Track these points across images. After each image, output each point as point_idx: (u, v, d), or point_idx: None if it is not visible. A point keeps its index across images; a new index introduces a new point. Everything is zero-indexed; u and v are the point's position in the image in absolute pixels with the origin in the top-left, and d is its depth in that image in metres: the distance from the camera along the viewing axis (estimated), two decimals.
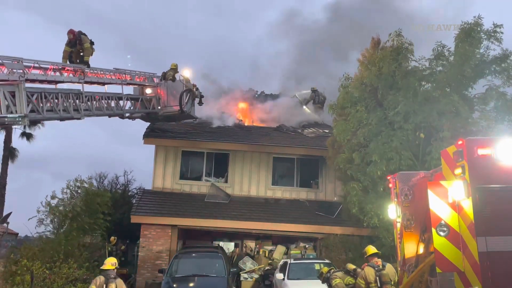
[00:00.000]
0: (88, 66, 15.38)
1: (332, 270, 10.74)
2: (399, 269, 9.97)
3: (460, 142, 7.49)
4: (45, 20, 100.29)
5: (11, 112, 11.53)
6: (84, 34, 15.70)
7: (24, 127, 25.52)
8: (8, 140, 25.30)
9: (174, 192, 20.62)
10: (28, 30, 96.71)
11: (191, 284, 14.20)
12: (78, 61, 15.59)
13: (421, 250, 9.31)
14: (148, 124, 21.47)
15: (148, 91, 19.19)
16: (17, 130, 25.65)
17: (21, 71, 11.98)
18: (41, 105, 12.84)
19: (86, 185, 18.97)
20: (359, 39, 18.86)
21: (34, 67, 13.00)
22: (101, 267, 10.45)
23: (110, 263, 10.18)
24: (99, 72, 16.02)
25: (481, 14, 15.93)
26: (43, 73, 13.39)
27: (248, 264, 18.36)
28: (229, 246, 19.67)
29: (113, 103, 16.62)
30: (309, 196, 21.24)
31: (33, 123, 22.99)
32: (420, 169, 13.56)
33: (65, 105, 13.94)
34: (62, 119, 14.10)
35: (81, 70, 14.90)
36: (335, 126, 17.91)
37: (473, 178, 7.18)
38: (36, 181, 59.25)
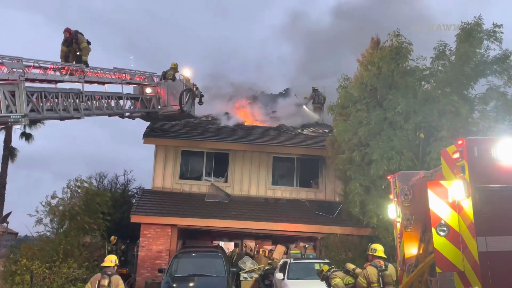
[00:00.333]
0: (87, 65, 15.34)
1: (332, 270, 10.72)
2: (399, 269, 9.96)
3: (460, 142, 7.48)
4: (46, 20, 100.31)
5: (11, 112, 11.53)
6: (81, 33, 15.59)
7: (24, 127, 25.50)
8: (8, 139, 25.28)
9: (174, 191, 20.63)
10: (30, 29, 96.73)
11: (191, 284, 14.20)
12: (75, 60, 15.50)
13: (421, 250, 9.30)
14: (148, 123, 21.47)
15: (148, 90, 19.18)
16: (17, 130, 25.64)
17: (21, 70, 11.99)
18: (41, 104, 12.84)
19: (86, 185, 18.99)
20: (361, 39, 18.79)
21: (34, 67, 13.01)
22: (102, 264, 10.53)
23: (110, 260, 10.25)
24: (99, 71, 16.01)
25: (481, 15, 15.95)
26: (43, 72, 13.39)
27: (248, 263, 18.36)
28: (229, 246, 19.69)
29: (113, 103, 16.62)
30: (309, 196, 21.25)
31: (33, 122, 22.95)
32: (420, 169, 13.54)
33: (65, 104, 13.94)
34: (62, 118, 14.09)
35: (81, 70, 14.89)
36: (336, 126, 17.91)
37: (473, 178, 7.17)
38: (36, 180, 59.31)
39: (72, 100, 14.34)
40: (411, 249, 9.54)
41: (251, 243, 19.97)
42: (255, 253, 19.67)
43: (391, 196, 10.31)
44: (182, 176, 21.17)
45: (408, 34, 17.22)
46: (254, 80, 29.56)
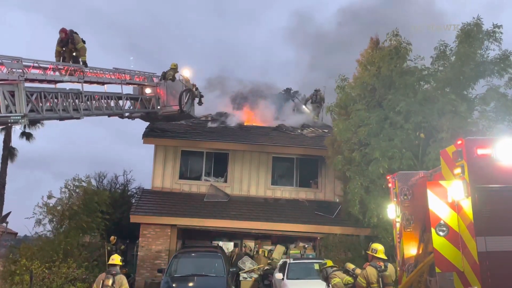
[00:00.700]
0: (86, 65, 15.28)
1: (334, 269, 10.72)
2: (398, 269, 9.96)
3: (459, 142, 7.49)
4: (46, 20, 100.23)
5: (11, 112, 11.52)
6: (76, 33, 15.47)
7: (24, 127, 25.49)
8: (7, 139, 25.29)
9: (174, 191, 20.62)
10: (30, 30, 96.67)
11: (190, 284, 14.20)
12: (71, 60, 15.39)
13: (420, 250, 9.31)
14: (147, 123, 21.47)
15: (148, 90, 19.18)
16: (16, 130, 25.63)
17: (21, 70, 11.98)
18: (41, 104, 12.83)
19: (84, 184, 18.91)
20: (363, 39, 18.78)
21: (34, 67, 13.01)
22: (108, 262, 10.73)
23: (118, 259, 10.46)
24: (98, 71, 16.01)
25: (479, 15, 15.99)
26: (42, 72, 13.39)
27: (247, 264, 18.36)
28: (228, 246, 19.67)
29: (112, 103, 16.62)
30: (308, 196, 21.25)
31: (33, 122, 22.97)
32: (420, 169, 13.55)
33: (64, 104, 13.94)
34: (61, 118, 14.09)
35: (80, 70, 14.89)
36: (336, 125, 17.89)
37: (472, 178, 7.18)
38: (36, 180, 59.20)
39: (72, 100, 14.34)
40: (411, 249, 9.55)
41: (250, 243, 19.96)
42: (254, 253, 19.66)
43: (391, 196, 10.32)
44: (182, 176, 21.16)
45: (408, 34, 17.26)
46: (258, 80, 29.65)
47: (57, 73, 14.12)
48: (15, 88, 11.70)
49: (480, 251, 6.92)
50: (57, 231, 18.12)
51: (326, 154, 19.24)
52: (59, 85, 14.25)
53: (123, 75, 17.39)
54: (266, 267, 18.50)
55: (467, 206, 7.19)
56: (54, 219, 18.05)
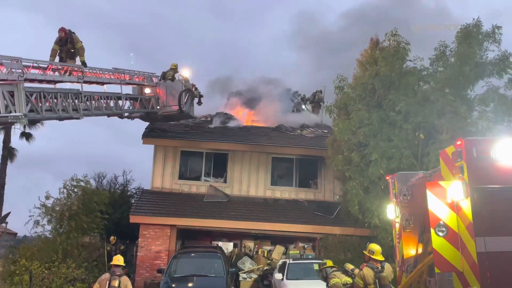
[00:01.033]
0: (85, 65, 15.25)
1: (333, 269, 10.73)
2: (397, 269, 9.96)
3: (459, 143, 7.48)
4: (47, 20, 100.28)
5: (10, 112, 11.51)
6: (74, 33, 15.39)
7: (24, 127, 25.47)
8: (7, 140, 25.28)
9: (173, 192, 20.62)
10: (30, 30, 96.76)
11: (190, 284, 14.20)
12: (68, 60, 15.32)
13: (419, 250, 9.31)
14: (147, 124, 21.47)
15: (147, 90, 19.19)
16: (16, 130, 25.62)
17: (20, 70, 11.97)
18: (40, 104, 12.83)
19: (82, 184, 18.83)
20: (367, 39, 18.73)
21: (33, 67, 13.00)
22: (111, 263, 10.74)
23: (118, 259, 10.44)
24: (98, 71, 16.01)
25: (479, 16, 15.98)
26: (42, 72, 13.39)
27: (247, 264, 18.36)
28: (228, 246, 19.67)
29: (112, 103, 16.62)
30: (308, 196, 21.25)
31: (32, 122, 22.95)
32: (419, 169, 13.55)
33: (64, 104, 13.94)
34: (61, 118, 14.09)
35: (80, 70, 14.88)
36: (336, 125, 17.87)
37: (471, 178, 7.17)
38: (36, 181, 59.21)
39: (71, 101, 14.34)
40: (410, 250, 9.54)
41: (250, 244, 19.96)
42: (254, 253, 19.66)
43: (390, 197, 10.32)
44: (181, 177, 21.16)
45: (409, 34, 17.25)
46: (265, 77, 29.67)
47: (56, 73, 14.12)
48: (14, 88, 11.70)
49: (479, 252, 6.91)
50: (56, 232, 18.09)
51: (326, 154, 19.24)
52: (58, 85, 14.25)
53: (123, 75, 17.39)
54: (265, 268, 18.52)
55: (466, 206, 7.19)
56: (52, 220, 18.01)
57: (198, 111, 22.61)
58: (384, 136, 16.00)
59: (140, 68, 18.78)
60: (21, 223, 18.15)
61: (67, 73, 14.39)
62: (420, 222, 9.23)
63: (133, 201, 22.04)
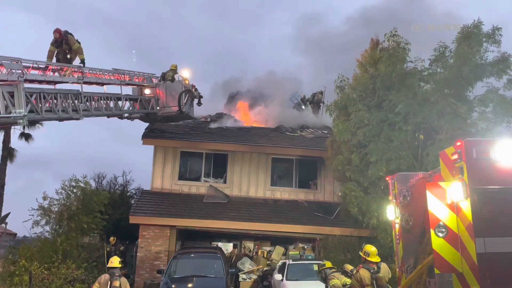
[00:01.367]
0: (84, 64, 15.07)
1: (332, 270, 10.73)
2: (397, 270, 9.97)
3: (458, 144, 7.49)
4: (48, 20, 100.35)
5: (10, 113, 11.51)
6: (71, 34, 15.25)
7: (24, 128, 25.44)
8: (7, 140, 25.26)
9: (173, 192, 20.62)
10: (31, 30, 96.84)
11: (190, 285, 14.19)
12: (65, 61, 15.16)
13: (419, 251, 9.30)
14: (147, 124, 21.47)
15: (147, 91, 19.18)
16: (16, 131, 25.59)
17: (20, 71, 11.97)
18: (40, 105, 12.82)
19: (81, 184, 18.70)
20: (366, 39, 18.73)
21: (33, 67, 13.00)
22: (108, 265, 10.77)
23: (118, 261, 10.53)
24: (98, 72, 15.99)
25: (480, 18, 15.99)
26: (42, 73, 13.39)
27: (246, 264, 18.36)
28: (227, 247, 19.69)
29: (112, 104, 16.62)
30: (307, 197, 21.25)
31: (32, 123, 22.93)
32: (419, 170, 13.55)
33: (64, 105, 13.93)
34: (61, 119, 14.08)
35: (79, 70, 14.87)
36: (336, 126, 17.88)
37: (471, 179, 7.18)
38: (36, 181, 59.26)
39: (71, 101, 14.33)
40: (410, 250, 9.54)
41: (250, 244, 19.97)
42: (254, 254, 19.67)
43: (390, 197, 10.32)
44: (181, 177, 21.16)
45: (409, 35, 17.24)
46: (256, 80, 29.70)
47: (56, 73, 14.11)
48: (14, 89, 11.69)
49: (479, 252, 6.92)
50: (56, 232, 18.06)
51: (326, 155, 19.25)
52: (58, 86, 14.24)
53: (123, 76, 17.39)
54: (265, 268, 18.51)
55: (466, 207, 7.20)
56: (51, 220, 17.96)
57: (198, 112, 22.62)
58: (383, 138, 16.00)
59: (141, 69, 18.82)
60: (21, 223, 18.10)
61: (67, 74, 14.36)
62: (420, 223, 9.24)
63: (132, 202, 22.04)
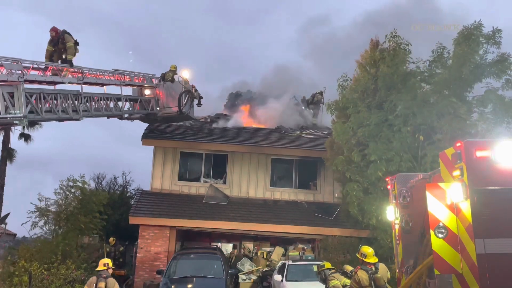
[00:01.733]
0: (71, 65, 14.71)
1: (332, 271, 10.73)
2: (397, 270, 9.97)
3: (458, 144, 7.48)
4: (50, 21, 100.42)
5: (10, 113, 11.51)
6: (69, 33, 15.03)
7: (23, 128, 25.45)
8: (6, 141, 25.26)
9: (173, 193, 20.62)
10: (33, 31, 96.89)
11: (189, 285, 14.21)
12: (60, 61, 14.97)
13: (419, 252, 9.30)
14: (147, 125, 21.47)
15: (147, 92, 19.17)
16: (16, 131, 25.61)
17: (20, 72, 11.97)
18: (40, 106, 12.82)
19: (79, 184, 18.63)
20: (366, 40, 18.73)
21: (33, 68, 13.00)
22: (96, 269, 10.81)
23: (102, 263, 10.56)
24: (97, 73, 15.98)
25: (481, 19, 16.00)
26: (42, 73, 13.38)
27: (246, 265, 18.36)
28: (227, 248, 19.69)
29: (111, 104, 16.61)
30: (307, 197, 21.25)
31: (32, 124, 22.96)
32: (419, 170, 13.56)
33: (64, 106, 13.92)
34: (61, 120, 14.08)
35: (80, 71, 14.86)
36: (335, 128, 17.90)
37: (471, 180, 7.17)
38: (36, 182, 59.21)
39: (71, 102, 14.32)
40: (410, 251, 9.54)
41: (249, 245, 19.97)
42: (253, 254, 19.67)
43: (390, 198, 10.32)
44: (181, 178, 21.16)
45: (409, 35, 17.25)
46: (255, 81, 29.73)
47: (56, 74, 14.09)
48: (14, 89, 11.70)
49: (478, 253, 6.91)
50: (55, 233, 18.06)
51: (325, 155, 19.25)
52: (58, 87, 14.23)
53: (123, 76, 17.38)
54: (265, 269, 18.51)
55: (466, 208, 7.19)
56: (49, 221, 17.94)
57: (198, 112, 22.62)
58: (383, 138, 16.01)
59: (143, 70, 18.83)
60: (20, 224, 18.12)
61: (66, 74, 14.32)
62: (419, 224, 9.23)
63: (132, 202, 22.04)
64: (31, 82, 13.04)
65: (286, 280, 14.95)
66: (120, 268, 19.42)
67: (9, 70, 11.71)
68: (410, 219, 9.56)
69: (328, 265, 11.07)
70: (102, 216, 18.84)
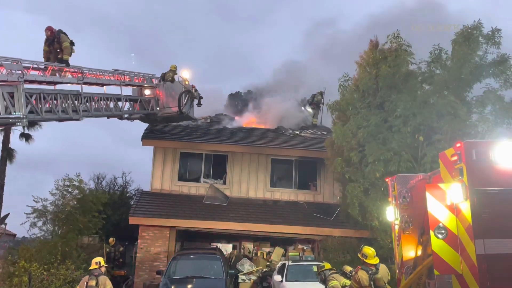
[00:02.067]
0: (68, 65, 14.65)
1: (331, 272, 10.73)
2: (397, 271, 9.97)
3: (458, 145, 7.48)
4: (51, 22, 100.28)
5: (10, 113, 11.51)
6: (64, 33, 14.95)
7: (23, 128, 25.42)
8: (6, 141, 25.23)
9: (173, 193, 20.62)
10: (34, 32, 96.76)
11: (189, 286, 14.22)
12: (56, 61, 14.85)
13: (419, 252, 9.31)
14: (147, 125, 21.47)
15: (147, 92, 19.16)
16: (15, 131, 25.58)
17: (20, 72, 11.96)
18: (40, 106, 12.81)
19: (76, 183, 18.46)
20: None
21: (33, 68, 12.99)
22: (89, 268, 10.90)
23: (94, 262, 10.62)
24: (97, 73, 15.97)
25: (480, 19, 15.99)
26: (42, 74, 13.38)
27: (246, 266, 18.36)
28: (227, 248, 19.67)
29: (111, 104, 16.60)
30: (307, 198, 21.25)
31: (32, 124, 22.92)
32: (419, 171, 13.56)
33: (64, 106, 13.91)
34: (61, 120, 14.07)
35: (80, 71, 14.86)
36: (335, 130, 17.88)
37: (471, 180, 7.18)
38: (36, 182, 59.05)
39: (71, 102, 14.31)
40: (410, 252, 9.54)
41: (249, 245, 19.96)
42: (253, 255, 19.66)
43: (390, 199, 10.33)
44: (181, 178, 21.16)
45: (409, 35, 17.25)
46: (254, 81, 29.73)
47: (56, 74, 14.09)
48: (14, 90, 11.68)
49: (478, 254, 6.92)
50: (54, 233, 18.03)
51: (325, 156, 19.24)
52: (58, 87, 14.22)
53: (122, 76, 17.37)
54: (264, 269, 18.51)
55: (465, 208, 7.20)
56: (47, 222, 17.88)
57: (198, 112, 22.61)
58: (381, 139, 16.00)
59: (144, 70, 18.78)
60: (20, 224, 18.08)
61: (65, 74, 14.31)
62: (419, 224, 9.25)
63: (132, 203, 22.04)
64: (31, 82, 13.03)
65: (286, 280, 14.95)
66: (120, 269, 19.45)
67: (9, 70, 11.70)
68: (410, 219, 9.57)
69: (327, 265, 11.07)
70: (101, 216, 18.79)
